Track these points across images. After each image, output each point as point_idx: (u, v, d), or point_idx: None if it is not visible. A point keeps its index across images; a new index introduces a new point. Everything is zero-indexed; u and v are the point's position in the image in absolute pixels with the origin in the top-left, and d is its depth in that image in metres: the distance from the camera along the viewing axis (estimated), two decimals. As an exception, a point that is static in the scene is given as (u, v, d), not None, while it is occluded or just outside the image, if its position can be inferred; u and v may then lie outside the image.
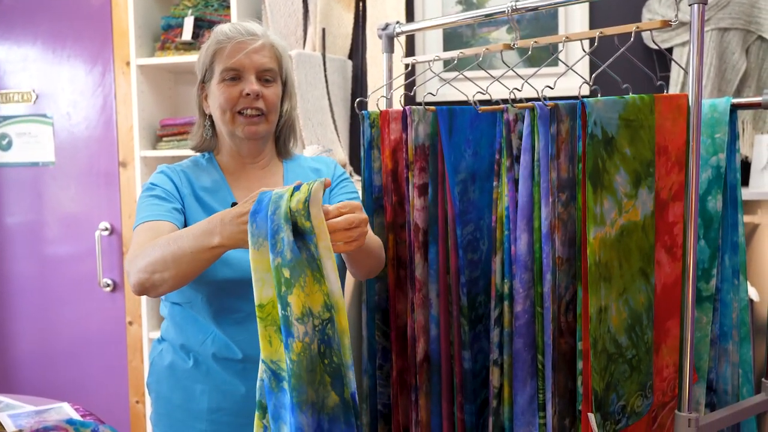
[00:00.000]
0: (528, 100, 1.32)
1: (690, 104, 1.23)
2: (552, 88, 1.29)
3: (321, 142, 2.53)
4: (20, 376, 3.19)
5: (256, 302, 1.15)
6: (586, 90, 2.37)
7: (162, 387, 1.47)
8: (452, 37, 2.63)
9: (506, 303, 1.38)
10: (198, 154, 1.56)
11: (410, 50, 2.66)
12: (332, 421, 1.14)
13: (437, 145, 1.51)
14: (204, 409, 1.41)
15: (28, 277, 3.14)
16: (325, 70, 2.58)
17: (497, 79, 1.49)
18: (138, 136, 2.68)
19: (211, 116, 1.50)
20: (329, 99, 2.59)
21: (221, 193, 1.47)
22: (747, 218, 2.28)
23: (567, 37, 1.40)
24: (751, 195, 2.17)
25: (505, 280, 1.38)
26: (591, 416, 1.22)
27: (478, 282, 1.52)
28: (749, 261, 2.29)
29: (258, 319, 1.14)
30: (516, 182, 1.37)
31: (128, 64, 2.79)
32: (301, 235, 1.13)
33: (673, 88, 2.26)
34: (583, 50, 1.37)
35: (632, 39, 1.31)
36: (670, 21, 1.26)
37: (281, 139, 1.56)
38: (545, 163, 1.29)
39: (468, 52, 1.59)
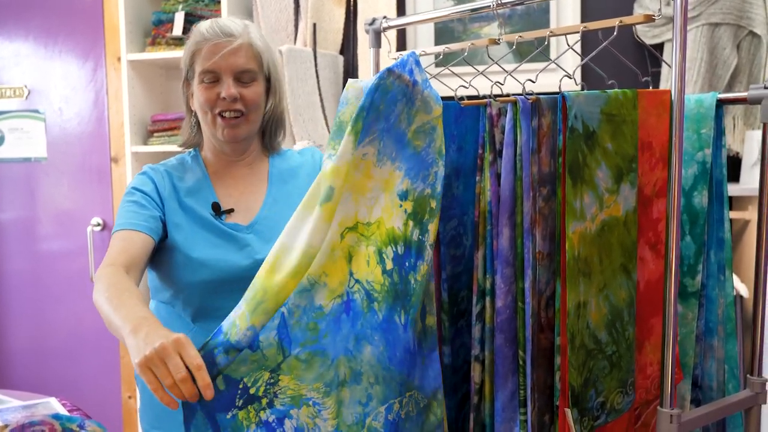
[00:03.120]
0: (516, 95, 1.31)
1: (672, 99, 1.22)
2: (533, 82, 1.28)
3: (311, 137, 2.52)
4: (13, 371, 3.19)
5: (363, 220, 1.18)
6: (572, 85, 2.36)
7: (147, 380, 1.48)
8: (443, 33, 2.63)
9: (488, 298, 1.37)
10: (185, 151, 1.56)
11: (401, 45, 2.65)
12: (420, 343, 1.24)
13: (421, 140, 1.50)
14: None
15: (20, 273, 3.14)
16: (316, 66, 2.57)
17: (481, 73, 1.48)
18: (129, 132, 2.67)
19: (196, 113, 1.49)
20: (320, 94, 2.58)
21: (203, 193, 1.46)
22: (738, 214, 2.27)
23: (551, 32, 1.39)
24: (742, 191, 2.17)
25: (487, 276, 1.37)
26: (567, 411, 1.21)
27: (461, 277, 1.51)
28: (740, 257, 2.28)
29: (360, 237, 1.16)
30: (499, 177, 1.36)
31: (119, 59, 2.78)
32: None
33: (664, 84, 2.25)
34: (567, 44, 1.37)
35: (615, 33, 1.30)
36: (654, 15, 1.25)
37: (267, 134, 1.55)
38: (527, 158, 1.28)
39: (454, 47, 1.58)
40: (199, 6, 2.62)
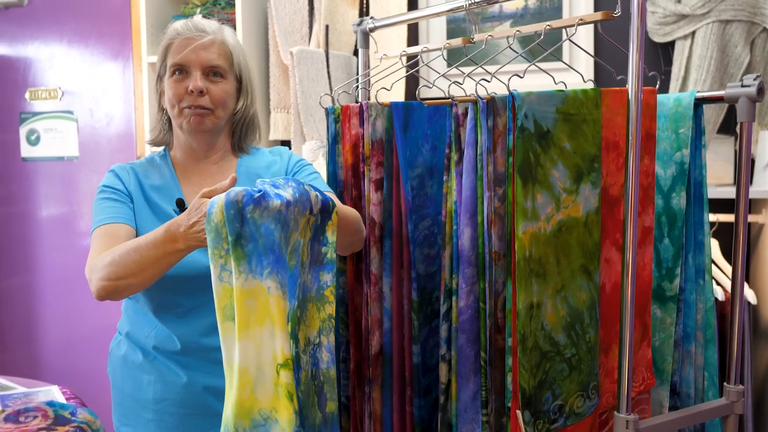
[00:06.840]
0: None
1: (630, 98, 1.19)
2: (488, 81, 1.28)
3: (322, 137, 2.55)
4: (47, 363, 3.33)
5: (290, 355, 1.13)
6: (581, 83, 2.32)
7: (116, 376, 1.52)
8: (455, 31, 2.62)
9: (454, 298, 1.36)
10: (155, 150, 1.59)
11: (413, 42, 2.67)
12: None
13: (393, 140, 1.50)
14: (150, 399, 1.44)
15: (55, 269, 3.27)
16: (328, 67, 2.59)
17: (456, 66, 1.48)
18: (148, 132, 2.76)
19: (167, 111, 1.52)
20: (332, 95, 2.61)
21: (169, 190, 1.49)
22: (752, 218, 2.19)
23: (518, 31, 1.38)
24: (755, 193, 2.09)
25: (454, 275, 1.37)
26: (518, 414, 1.20)
27: (434, 277, 1.51)
28: (754, 263, 2.20)
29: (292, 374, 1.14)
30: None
31: (143, 61, 2.88)
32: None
33: (674, 83, 2.19)
34: (538, 42, 1.35)
35: (576, 30, 1.28)
36: (613, 13, 1.23)
37: (237, 135, 1.56)
38: (486, 158, 1.27)
39: (431, 47, 1.58)
40: (216, 9, 2.68)
